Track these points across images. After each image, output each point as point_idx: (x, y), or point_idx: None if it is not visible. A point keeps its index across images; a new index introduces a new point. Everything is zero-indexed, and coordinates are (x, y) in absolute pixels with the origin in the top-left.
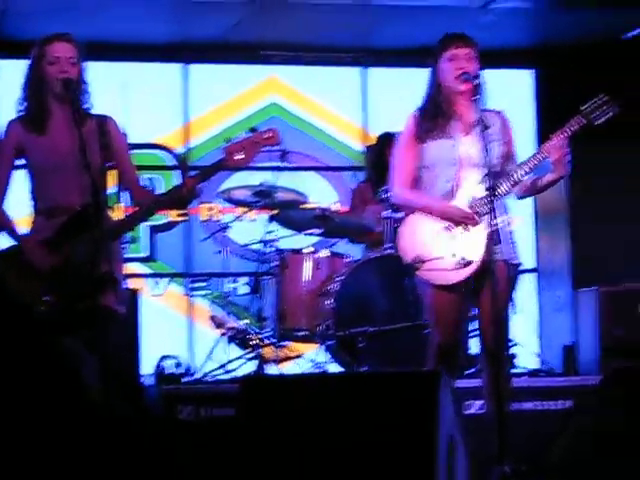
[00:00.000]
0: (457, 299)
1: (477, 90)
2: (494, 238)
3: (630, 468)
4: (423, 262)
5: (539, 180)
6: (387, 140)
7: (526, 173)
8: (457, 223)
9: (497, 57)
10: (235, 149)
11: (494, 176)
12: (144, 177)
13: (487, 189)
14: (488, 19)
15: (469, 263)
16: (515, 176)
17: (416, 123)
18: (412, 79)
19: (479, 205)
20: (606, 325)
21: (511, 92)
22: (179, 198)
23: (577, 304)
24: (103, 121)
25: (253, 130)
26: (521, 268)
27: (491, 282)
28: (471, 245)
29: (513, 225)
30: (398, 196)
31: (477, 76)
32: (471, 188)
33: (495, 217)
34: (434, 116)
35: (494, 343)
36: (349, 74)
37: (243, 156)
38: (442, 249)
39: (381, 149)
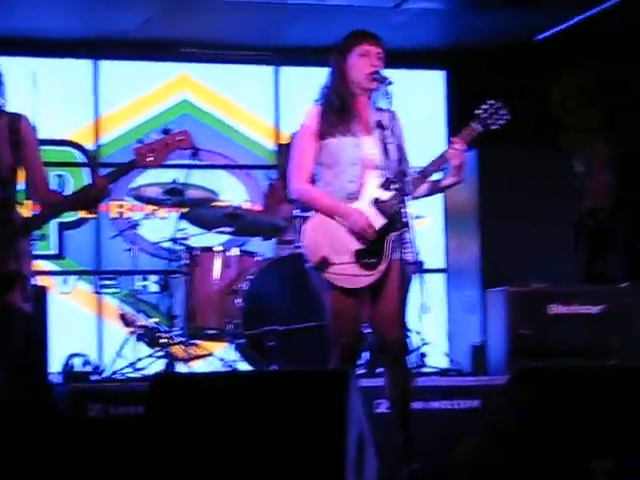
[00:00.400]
0: (359, 300)
1: (385, 90)
2: (399, 239)
3: (535, 467)
4: (329, 264)
5: (438, 183)
6: None
7: (429, 175)
8: (355, 232)
9: (409, 57)
10: (146, 150)
11: (397, 177)
12: (54, 174)
13: (395, 190)
14: (400, 19)
15: (375, 266)
16: (416, 177)
17: (319, 118)
18: (324, 78)
19: (384, 207)
20: (514, 325)
21: (423, 93)
22: (88, 198)
23: (486, 304)
24: (16, 119)
25: (166, 132)
26: (429, 267)
27: (393, 283)
28: (377, 248)
29: (417, 225)
30: (297, 191)
31: (385, 76)
32: (373, 189)
33: (400, 219)
34: (338, 112)
35: (395, 343)
36: (261, 72)
37: (154, 157)
38: (348, 252)
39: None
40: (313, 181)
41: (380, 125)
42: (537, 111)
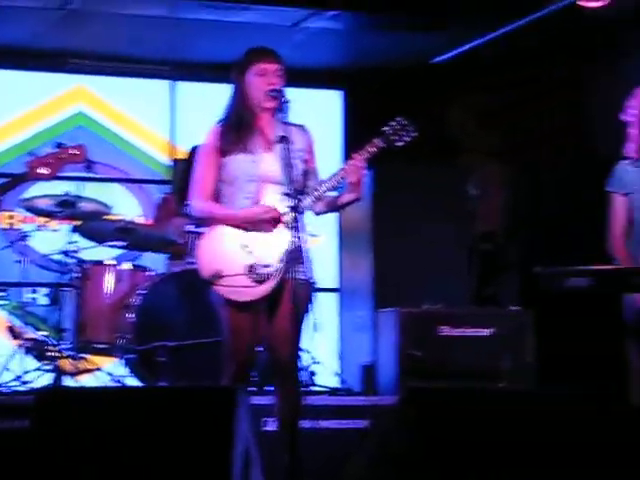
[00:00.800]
0: (253, 316)
1: (283, 108)
2: (293, 256)
3: None
4: (221, 278)
5: (337, 199)
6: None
7: (327, 190)
8: (262, 222)
9: (307, 76)
10: (39, 163)
11: (296, 193)
12: None
13: (290, 207)
14: (299, 38)
15: (267, 280)
16: (316, 193)
17: (218, 136)
18: (222, 95)
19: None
20: (405, 346)
21: (320, 112)
22: None
23: (377, 324)
24: None
25: (60, 145)
26: (322, 287)
27: (287, 300)
28: (269, 262)
29: (311, 243)
30: (197, 208)
31: (284, 93)
32: (272, 205)
33: (296, 235)
34: (237, 130)
35: (287, 361)
36: (158, 87)
37: (47, 171)
38: (240, 265)
39: (191, 163)
40: (216, 198)
41: (283, 140)
42: (434, 132)
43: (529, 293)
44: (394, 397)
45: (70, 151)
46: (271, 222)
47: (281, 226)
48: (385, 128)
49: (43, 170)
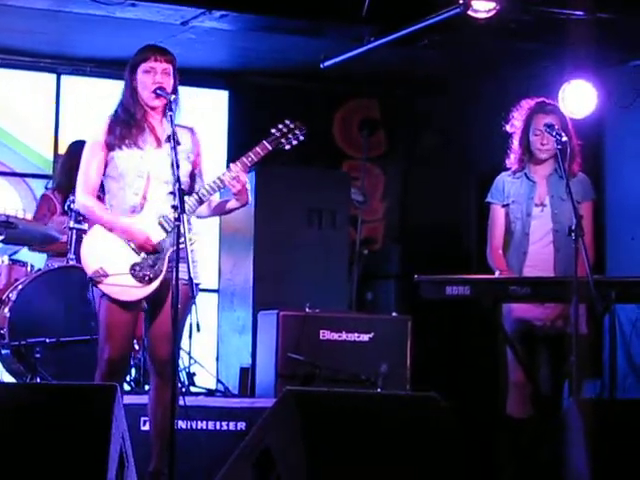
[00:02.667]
0: (132, 315)
1: (171, 106)
2: (177, 256)
3: None
4: (105, 276)
5: (224, 204)
6: (78, 149)
7: (209, 194)
8: (137, 246)
9: (194, 75)
10: None
11: (181, 193)
12: None
13: (174, 207)
14: (187, 37)
15: (151, 280)
16: (199, 195)
17: (107, 130)
18: (107, 90)
19: (166, 222)
20: (284, 349)
21: (207, 111)
22: None
23: (257, 326)
24: None
25: None
26: (202, 287)
27: (168, 300)
28: (154, 262)
29: (195, 244)
30: (82, 204)
31: (173, 92)
32: (159, 203)
33: (180, 235)
34: (126, 126)
35: (164, 361)
36: (44, 80)
37: None
38: (125, 264)
39: (72, 158)
40: (101, 193)
41: (171, 139)
42: (319, 137)
43: (408, 300)
44: (272, 400)
45: None
46: (143, 247)
47: (162, 232)
48: (273, 130)
49: None
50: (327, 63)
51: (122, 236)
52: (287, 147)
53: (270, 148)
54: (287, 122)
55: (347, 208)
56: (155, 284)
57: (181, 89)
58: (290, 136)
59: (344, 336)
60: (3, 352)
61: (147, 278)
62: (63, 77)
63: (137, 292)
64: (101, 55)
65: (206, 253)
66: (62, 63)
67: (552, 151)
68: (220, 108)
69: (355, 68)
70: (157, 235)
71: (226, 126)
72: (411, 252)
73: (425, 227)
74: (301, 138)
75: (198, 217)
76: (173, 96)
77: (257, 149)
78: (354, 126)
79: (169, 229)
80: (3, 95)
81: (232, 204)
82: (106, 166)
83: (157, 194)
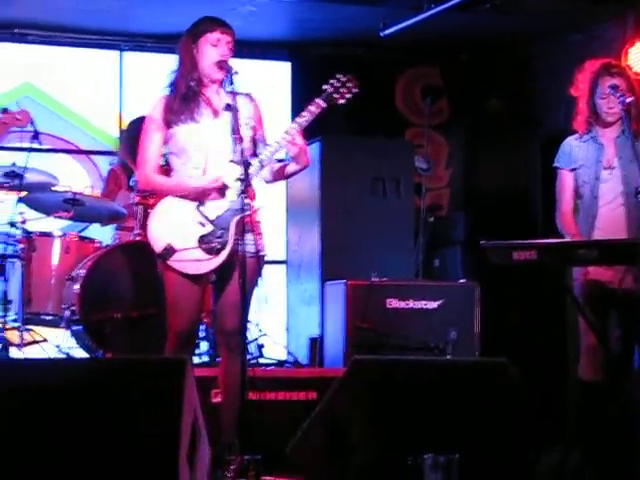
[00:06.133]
0: (200, 288)
1: (231, 79)
2: (243, 228)
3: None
4: (174, 251)
5: (284, 167)
6: (138, 125)
7: (268, 158)
8: (209, 192)
9: (256, 48)
10: None
11: (243, 161)
12: None
13: (238, 178)
14: (248, 10)
15: (219, 251)
16: (260, 159)
17: (164, 107)
18: (168, 65)
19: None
20: (352, 318)
21: (270, 84)
22: None
23: (325, 297)
24: None
25: (4, 111)
26: (270, 259)
27: (236, 272)
28: (220, 233)
29: (262, 215)
30: (145, 182)
31: (232, 65)
32: (220, 173)
33: (245, 205)
34: (183, 100)
35: (233, 333)
36: (106, 57)
37: None
38: (193, 238)
39: (134, 134)
40: (165, 171)
41: (230, 108)
42: (382, 106)
43: (475, 266)
44: (341, 369)
45: (15, 116)
46: (218, 192)
47: (230, 195)
48: (326, 86)
49: None
50: (387, 31)
51: (190, 195)
52: (341, 101)
53: (324, 105)
54: (339, 76)
55: (411, 176)
56: (223, 255)
57: (244, 62)
58: (342, 90)
59: (411, 304)
60: (75, 328)
61: (215, 249)
62: (125, 54)
63: (206, 264)
64: (162, 30)
65: (273, 225)
66: (124, 40)
67: (619, 113)
68: (283, 80)
69: (415, 35)
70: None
71: (289, 97)
72: (477, 218)
73: (490, 193)
74: (354, 91)
75: (266, 182)
76: (236, 71)
77: (311, 107)
78: (416, 94)
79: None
80: (67, 74)
81: (292, 167)
82: (167, 143)
83: (217, 166)
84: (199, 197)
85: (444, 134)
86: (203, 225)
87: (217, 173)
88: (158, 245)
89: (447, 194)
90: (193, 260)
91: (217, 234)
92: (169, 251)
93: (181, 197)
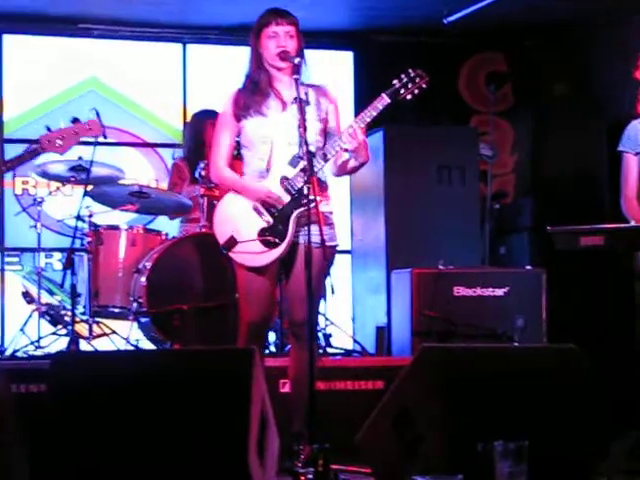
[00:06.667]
0: (267, 279)
1: (297, 69)
2: (306, 219)
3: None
4: (236, 243)
5: (346, 162)
6: (204, 117)
7: (330, 153)
8: (264, 203)
9: (318, 38)
10: (54, 137)
11: (310, 154)
12: None
13: (302, 169)
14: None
15: (277, 245)
16: (325, 153)
17: (234, 101)
18: (231, 57)
19: (290, 185)
20: (419, 307)
21: (332, 73)
22: None
23: (391, 285)
24: None
25: (75, 120)
26: (337, 249)
27: (301, 263)
28: (280, 226)
29: (330, 205)
30: (214, 175)
31: (298, 54)
32: (282, 167)
33: (307, 197)
34: (250, 94)
35: (300, 323)
36: (169, 50)
37: (61, 143)
38: (253, 230)
39: (198, 127)
40: (235, 164)
41: (297, 101)
42: (446, 93)
43: (542, 252)
44: (408, 358)
45: (86, 126)
46: (266, 202)
47: (287, 196)
48: (395, 81)
49: (58, 143)
50: (450, 18)
51: (249, 198)
52: (408, 97)
53: (389, 100)
54: (409, 71)
55: (476, 163)
56: (281, 248)
57: (308, 52)
58: (411, 85)
59: (478, 291)
60: (142, 320)
61: (273, 242)
62: (188, 46)
63: (265, 257)
64: (224, 22)
65: (338, 214)
66: (187, 32)
67: None
68: (345, 69)
69: (479, 22)
70: (282, 198)
71: (352, 86)
72: (543, 204)
73: (556, 178)
74: (423, 86)
75: (334, 176)
76: (297, 59)
77: (375, 103)
78: (481, 80)
79: (293, 191)
80: (132, 67)
81: (352, 163)
82: (239, 136)
83: (282, 158)
84: (258, 202)
85: (509, 120)
86: (264, 218)
87: (280, 166)
88: (221, 237)
89: (512, 180)
90: (253, 252)
91: (277, 227)
92: (231, 243)
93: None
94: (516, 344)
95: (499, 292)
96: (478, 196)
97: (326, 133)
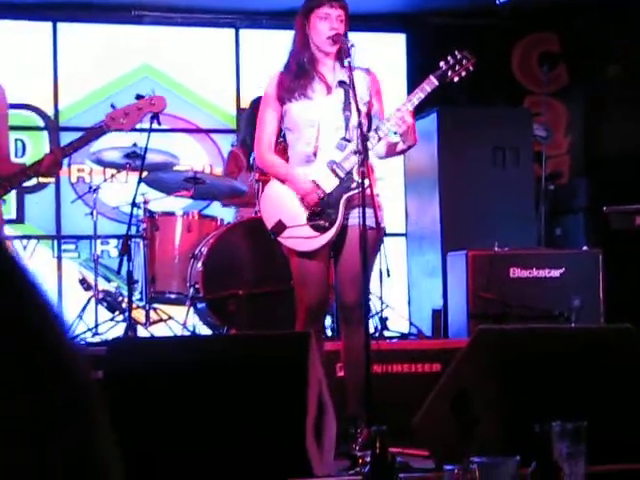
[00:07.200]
0: (320, 263)
1: (347, 52)
2: (356, 202)
3: (483, 430)
4: (284, 228)
5: (395, 145)
6: (260, 104)
7: (384, 134)
8: (302, 198)
9: (370, 21)
10: (119, 114)
11: (356, 138)
12: (13, 138)
13: (352, 152)
14: None
15: (327, 229)
16: (377, 133)
17: (278, 84)
18: (284, 42)
19: (338, 168)
20: (475, 289)
21: (385, 56)
22: (43, 169)
23: (447, 268)
24: None
25: (139, 97)
26: (391, 232)
27: (351, 246)
28: (329, 210)
29: (379, 188)
30: (259, 159)
31: (347, 38)
32: (329, 151)
33: (358, 180)
34: (296, 76)
35: (353, 307)
36: (222, 36)
37: (125, 121)
38: (302, 214)
39: (254, 113)
40: (283, 148)
41: (343, 84)
42: (499, 74)
43: (598, 233)
44: (464, 340)
45: (150, 101)
46: (305, 199)
47: (341, 172)
48: (441, 63)
49: (123, 120)
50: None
51: (292, 188)
52: (455, 79)
53: (437, 83)
54: (455, 53)
55: (530, 144)
56: (331, 232)
57: (357, 35)
58: (458, 67)
59: (534, 273)
60: (199, 306)
61: (323, 227)
62: (241, 31)
63: (315, 241)
64: (277, 7)
65: (392, 197)
66: (239, 17)
67: None
68: (398, 51)
69: (531, 2)
70: (330, 182)
71: (405, 69)
72: (598, 184)
73: (611, 158)
74: (470, 68)
75: (379, 158)
76: (352, 42)
77: (424, 85)
78: (534, 61)
79: (342, 175)
80: (185, 53)
81: (400, 146)
82: (283, 119)
83: (329, 142)
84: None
85: (563, 101)
86: (305, 205)
87: (328, 150)
88: (269, 222)
89: (567, 161)
90: (302, 237)
91: (326, 211)
92: (280, 227)
93: None
94: (573, 325)
95: (555, 273)
96: (533, 177)
97: (370, 116)
